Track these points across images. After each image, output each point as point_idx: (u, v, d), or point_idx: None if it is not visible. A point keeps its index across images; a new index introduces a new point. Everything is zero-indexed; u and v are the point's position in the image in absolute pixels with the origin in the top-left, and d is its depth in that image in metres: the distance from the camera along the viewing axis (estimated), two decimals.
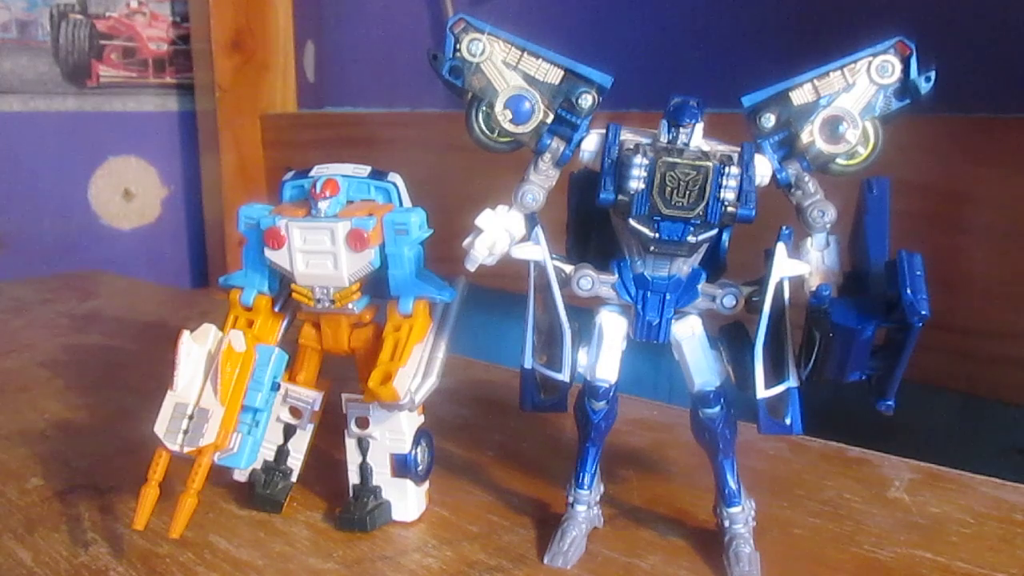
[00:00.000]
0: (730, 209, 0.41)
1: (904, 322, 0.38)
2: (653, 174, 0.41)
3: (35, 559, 0.46)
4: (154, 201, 1.41)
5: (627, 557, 0.47)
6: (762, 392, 0.43)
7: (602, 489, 0.49)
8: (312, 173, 0.48)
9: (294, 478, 0.52)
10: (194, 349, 0.45)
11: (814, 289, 0.41)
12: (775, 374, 0.43)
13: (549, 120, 0.44)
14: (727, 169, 0.41)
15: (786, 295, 0.43)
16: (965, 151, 0.68)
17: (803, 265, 0.43)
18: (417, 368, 0.46)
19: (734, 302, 0.44)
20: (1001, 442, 0.72)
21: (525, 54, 0.44)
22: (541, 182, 0.45)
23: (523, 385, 0.47)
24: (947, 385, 0.70)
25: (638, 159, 0.41)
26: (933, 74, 0.41)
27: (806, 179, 0.43)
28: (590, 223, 0.47)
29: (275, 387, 0.47)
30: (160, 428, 0.44)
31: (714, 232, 0.42)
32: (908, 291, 0.38)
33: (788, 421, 0.44)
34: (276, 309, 0.49)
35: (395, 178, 0.49)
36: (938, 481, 0.57)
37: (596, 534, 0.48)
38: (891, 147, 0.43)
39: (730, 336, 0.46)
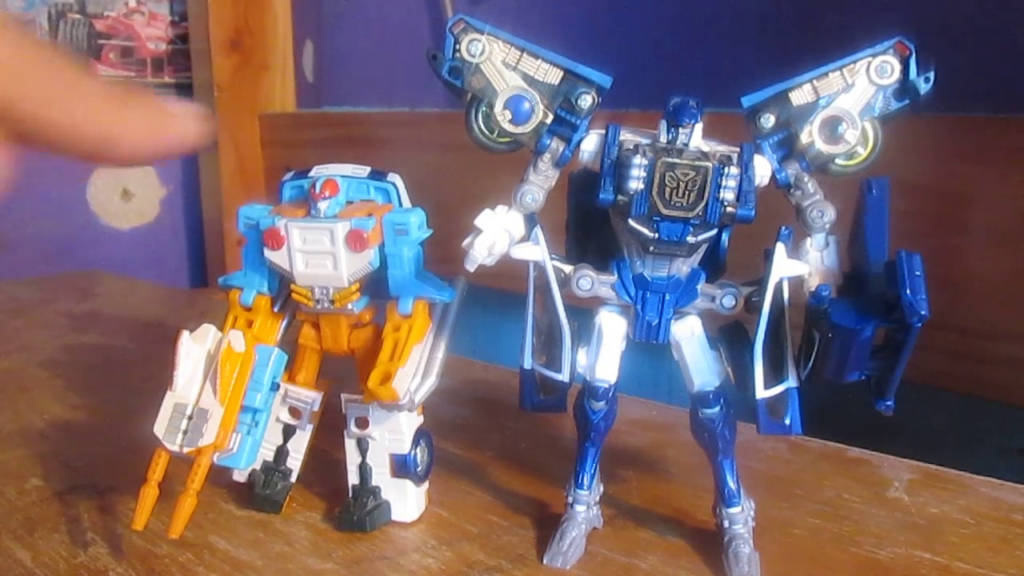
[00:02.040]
0: (729, 209, 0.41)
1: (903, 322, 0.38)
2: (652, 174, 0.41)
3: (34, 559, 0.46)
4: (153, 201, 1.41)
5: (626, 557, 0.47)
6: (761, 392, 0.43)
7: (601, 489, 0.49)
8: (311, 173, 0.48)
9: (293, 478, 0.52)
10: (193, 349, 0.45)
11: (813, 289, 0.41)
12: (774, 374, 0.43)
13: (548, 120, 0.44)
14: (726, 169, 0.41)
15: (785, 295, 0.43)
16: (965, 151, 0.68)
17: (802, 265, 0.43)
18: (416, 368, 0.46)
19: (733, 302, 0.44)
20: (1000, 442, 0.72)
21: (524, 54, 0.44)
22: (540, 182, 0.45)
23: (522, 385, 0.47)
24: (946, 385, 0.70)
25: (637, 159, 0.41)
26: (932, 74, 0.41)
27: (805, 179, 0.43)
28: (589, 223, 0.47)
29: (274, 387, 0.47)
30: (159, 428, 0.44)
31: (713, 232, 0.42)
32: (907, 291, 0.38)
33: (787, 421, 0.44)
34: (275, 309, 0.49)
35: (394, 178, 0.49)
36: (937, 481, 0.57)
37: (595, 534, 0.48)
38: (890, 147, 0.43)
39: (729, 336, 0.46)
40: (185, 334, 0.45)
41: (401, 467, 0.49)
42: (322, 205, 0.45)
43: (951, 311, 0.65)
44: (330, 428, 0.51)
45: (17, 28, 0.23)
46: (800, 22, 0.77)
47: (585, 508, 0.47)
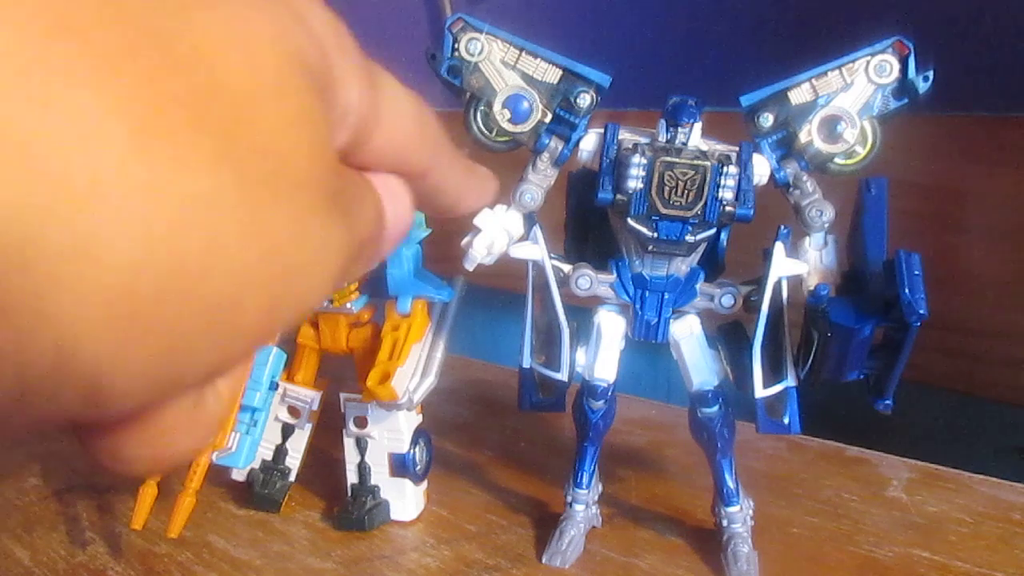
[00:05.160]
0: (728, 209, 0.41)
1: (902, 322, 0.38)
2: (651, 173, 0.41)
3: (33, 558, 0.46)
4: None
5: (625, 556, 0.47)
6: (760, 391, 0.43)
7: (600, 488, 0.49)
8: None
9: (292, 477, 0.52)
10: None
11: (812, 288, 0.41)
12: (773, 373, 0.43)
13: (547, 119, 0.44)
14: (725, 168, 0.41)
15: (784, 294, 0.43)
16: (964, 151, 0.68)
17: (801, 264, 0.43)
18: (415, 367, 0.46)
19: (732, 301, 0.44)
20: (999, 441, 0.72)
21: (523, 53, 0.44)
22: (539, 181, 0.45)
23: (521, 384, 0.47)
24: (945, 384, 0.70)
25: (636, 158, 0.41)
26: (931, 73, 0.41)
27: (804, 178, 0.43)
28: (588, 222, 0.47)
29: (273, 386, 0.47)
30: None
31: (712, 231, 0.42)
32: (906, 291, 0.38)
33: (786, 420, 0.44)
34: None
35: None
36: (936, 480, 0.57)
37: (594, 533, 0.48)
38: (889, 146, 0.43)
39: (728, 336, 0.46)
40: None
41: (400, 466, 0.49)
42: None
43: (950, 310, 0.65)
44: (329, 427, 0.51)
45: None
46: (799, 21, 0.77)
47: (584, 507, 0.47)
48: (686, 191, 0.41)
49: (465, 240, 0.45)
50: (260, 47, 0.15)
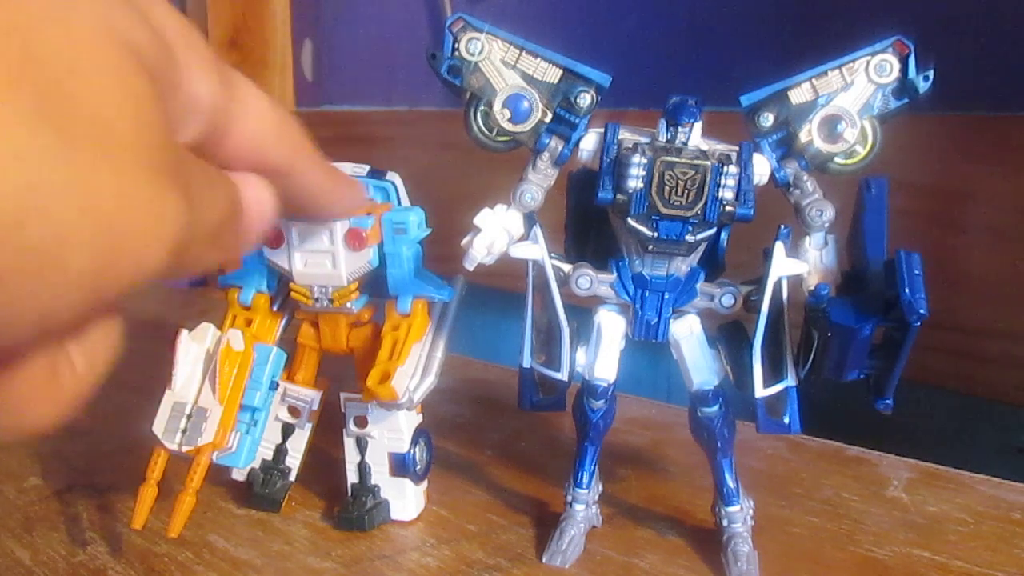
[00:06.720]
0: (728, 208, 0.41)
1: (902, 321, 0.38)
2: (651, 173, 0.41)
3: (33, 558, 0.46)
4: None
5: (625, 556, 0.47)
6: (760, 391, 0.43)
7: (600, 488, 0.49)
8: None
9: (292, 477, 0.52)
10: (192, 348, 0.45)
11: (812, 288, 0.41)
12: (773, 373, 0.43)
13: (548, 119, 0.44)
14: (725, 168, 0.41)
15: (784, 294, 0.43)
16: (964, 150, 0.68)
17: (801, 264, 0.43)
18: (416, 367, 0.46)
19: (732, 301, 0.44)
20: (999, 441, 0.72)
21: (523, 53, 0.44)
22: (540, 181, 0.45)
23: (521, 384, 0.47)
24: (945, 384, 0.70)
25: (636, 158, 0.41)
26: (931, 73, 0.41)
27: (804, 178, 0.43)
28: (589, 222, 0.47)
29: (273, 386, 0.47)
30: (158, 427, 0.44)
31: (712, 231, 0.42)
32: (906, 290, 0.38)
33: (787, 420, 0.44)
34: (274, 308, 0.49)
35: (393, 177, 0.49)
36: (936, 480, 0.57)
37: (594, 533, 0.48)
38: (889, 146, 0.43)
39: (728, 335, 0.46)
40: (184, 333, 0.45)
41: (400, 466, 0.49)
42: None
43: (950, 310, 0.65)
44: (329, 427, 0.51)
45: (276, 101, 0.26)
46: (800, 21, 0.77)
47: (584, 507, 0.47)
48: (686, 191, 0.41)
49: (465, 240, 0.45)
50: (79, 26, 0.17)
